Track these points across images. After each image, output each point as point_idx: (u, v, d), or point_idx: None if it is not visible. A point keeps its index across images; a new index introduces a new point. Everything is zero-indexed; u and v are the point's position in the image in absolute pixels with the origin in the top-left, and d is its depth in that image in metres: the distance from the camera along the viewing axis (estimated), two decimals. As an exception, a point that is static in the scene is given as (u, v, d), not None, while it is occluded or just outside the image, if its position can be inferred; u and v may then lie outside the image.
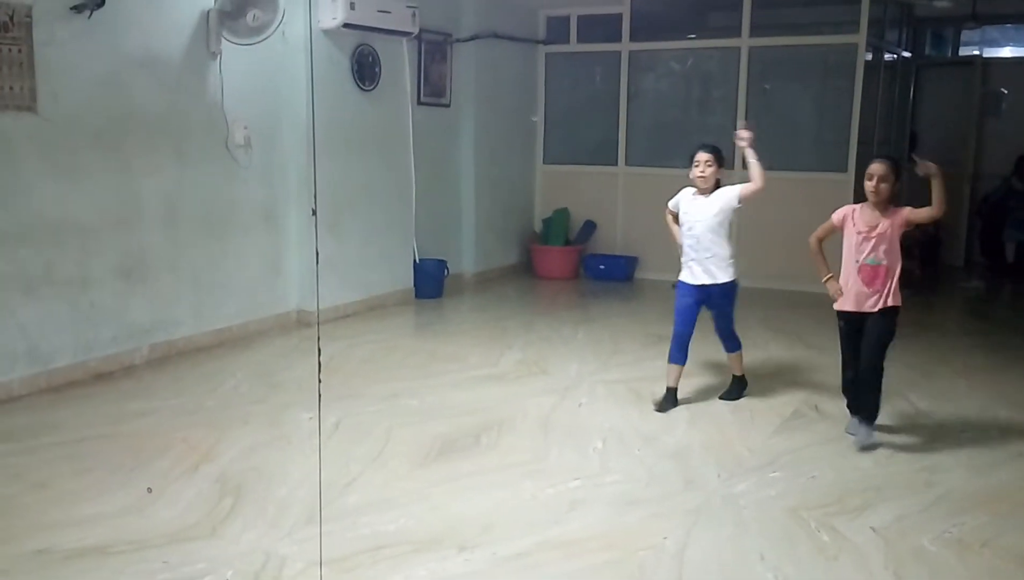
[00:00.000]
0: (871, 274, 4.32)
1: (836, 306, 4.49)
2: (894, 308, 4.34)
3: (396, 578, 3.12)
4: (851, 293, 4.39)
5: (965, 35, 11.45)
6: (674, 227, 5.12)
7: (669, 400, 5.01)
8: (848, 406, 4.60)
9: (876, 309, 4.33)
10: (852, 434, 4.48)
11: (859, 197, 8.39)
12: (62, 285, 5.23)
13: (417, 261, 7.99)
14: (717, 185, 4.87)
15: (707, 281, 4.95)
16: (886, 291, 4.31)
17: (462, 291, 8.49)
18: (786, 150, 8.81)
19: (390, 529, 3.49)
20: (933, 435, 4.66)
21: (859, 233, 4.33)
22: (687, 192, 4.98)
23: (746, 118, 8.74)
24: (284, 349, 6.27)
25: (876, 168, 4.26)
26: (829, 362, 5.83)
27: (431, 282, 8.06)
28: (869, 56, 8.54)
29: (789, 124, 8.92)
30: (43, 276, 5.12)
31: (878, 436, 4.46)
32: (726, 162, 5.03)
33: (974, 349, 6.62)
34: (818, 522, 3.61)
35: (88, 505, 3.66)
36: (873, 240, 4.29)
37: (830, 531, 3.53)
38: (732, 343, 5.21)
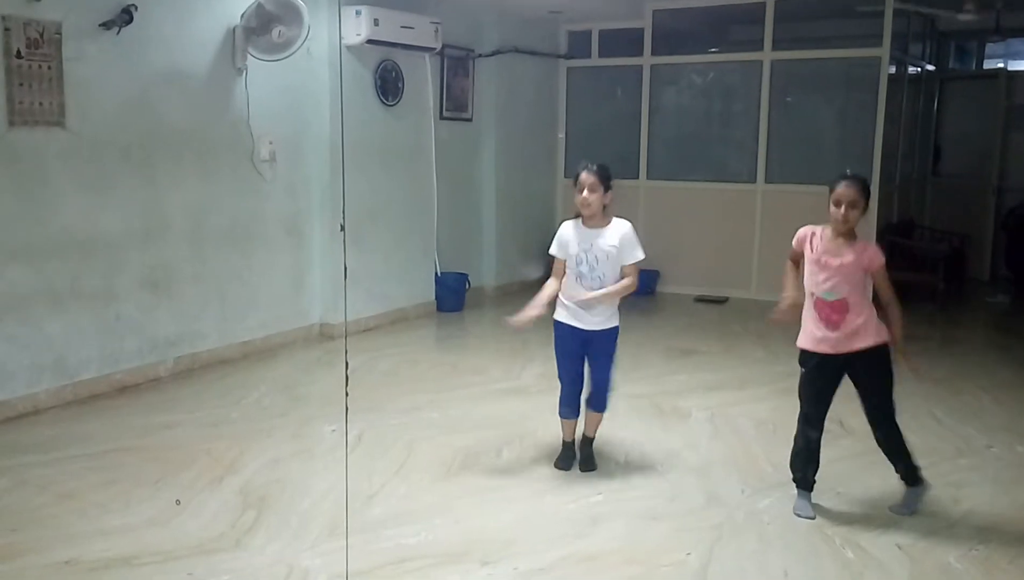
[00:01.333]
0: (828, 310, 3.70)
1: (798, 343, 3.88)
2: (880, 346, 3.72)
3: (419, 591, 3.13)
4: (807, 330, 3.80)
5: (989, 48, 11.40)
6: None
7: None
8: (796, 479, 3.91)
9: (858, 348, 3.70)
10: (799, 514, 3.79)
11: (883, 211, 8.48)
12: (88, 298, 5.29)
13: (439, 274, 8.02)
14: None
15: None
16: (854, 328, 3.68)
17: (483, 304, 8.51)
18: (808, 163, 8.79)
19: (413, 542, 3.50)
20: (959, 451, 4.61)
21: (815, 262, 3.73)
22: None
23: (768, 130, 8.73)
24: (307, 362, 6.31)
25: (845, 192, 3.63)
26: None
27: (452, 295, 8.08)
28: (892, 69, 8.51)
29: (811, 138, 8.90)
30: (70, 289, 5.18)
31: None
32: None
33: (1000, 364, 6.55)
34: (843, 539, 3.58)
35: (114, 516, 3.69)
36: (831, 272, 3.68)
37: (855, 548, 3.50)
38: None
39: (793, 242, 3.90)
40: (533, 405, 5.33)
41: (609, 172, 4.12)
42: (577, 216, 4.17)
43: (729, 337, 7.23)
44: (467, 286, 8.26)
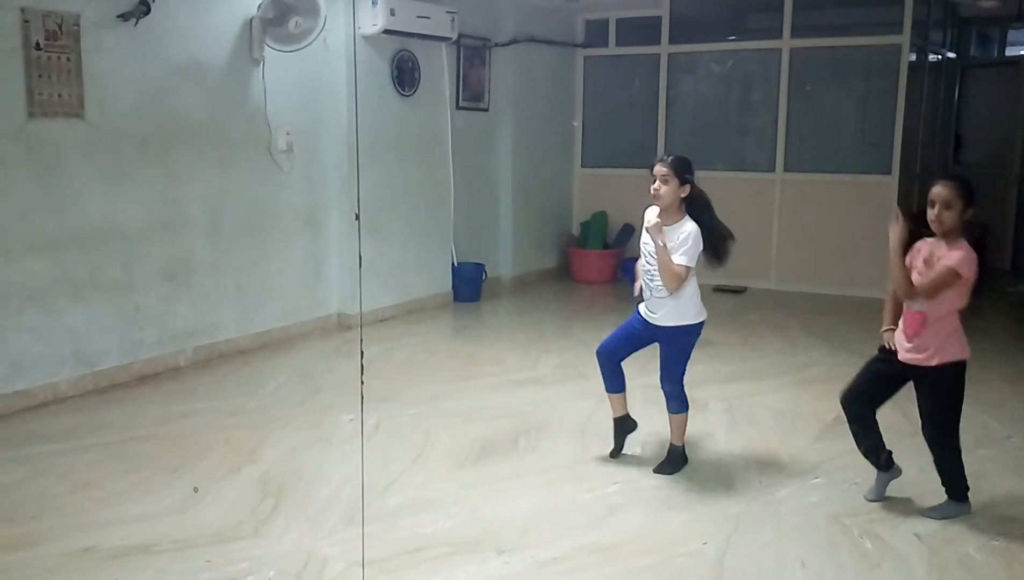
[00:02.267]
0: (910, 319, 3.62)
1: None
2: (948, 366, 3.59)
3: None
4: (896, 335, 3.73)
5: (1011, 35, 11.26)
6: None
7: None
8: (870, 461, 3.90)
9: (920, 363, 3.60)
10: (868, 498, 3.85)
11: (903, 200, 8.41)
12: (108, 289, 5.33)
13: (455, 264, 8.02)
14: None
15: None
16: (928, 343, 3.57)
17: (500, 294, 8.51)
18: (828, 152, 8.74)
19: (429, 531, 3.51)
20: (978, 441, 4.57)
21: (913, 267, 3.60)
22: None
23: (787, 119, 8.67)
24: (325, 352, 6.33)
25: (938, 192, 3.47)
26: (872, 367, 5.77)
27: (469, 286, 8.08)
28: (913, 57, 8.42)
29: (831, 126, 8.83)
30: (89, 280, 5.22)
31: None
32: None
33: (1021, 354, 6.50)
34: (861, 529, 3.56)
35: (133, 505, 3.72)
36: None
37: (873, 538, 3.49)
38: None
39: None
40: (549, 395, 5.33)
41: (687, 164, 3.95)
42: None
43: (747, 327, 7.20)
44: (484, 276, 8.26)
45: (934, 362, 3.57)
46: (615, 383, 4.26)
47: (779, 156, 8.78)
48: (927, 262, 3.57)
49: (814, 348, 6.55)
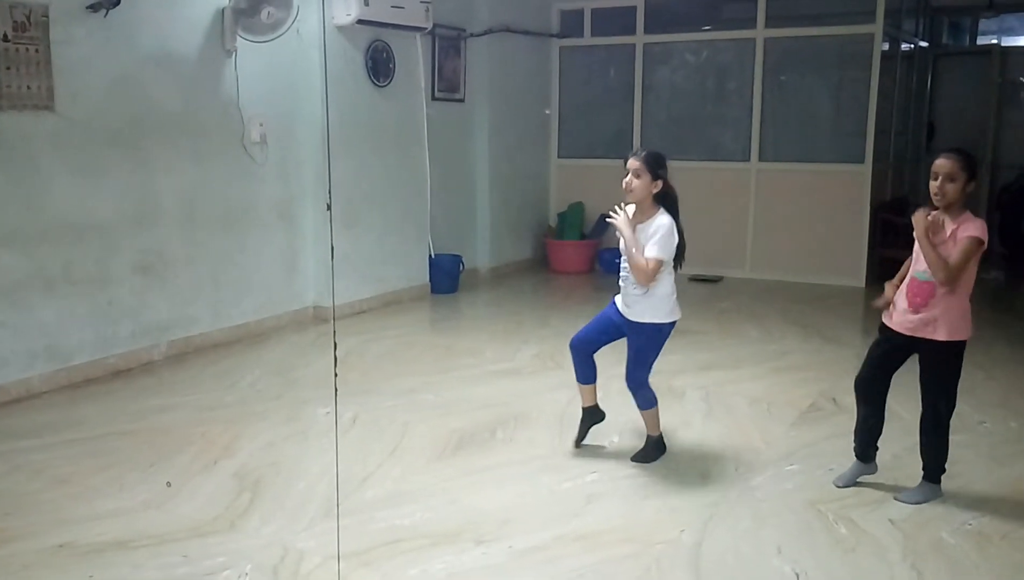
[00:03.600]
0: (917, 289, 3.60)
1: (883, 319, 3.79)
2: (954, 343, 3.61)
3: (413, 571, 3.14)
4: (895, 308, 3.72)
5: (983, 24, 11.37)
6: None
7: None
8: (854, 449, 3.95)
9: (925, 336, 3.61)
10: (838, 484, 3.86)
11: (876, 188, 8.48)
12: (81, 283, 5.27)
13: (432, 256, 8.00)
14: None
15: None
16: (932, 316, 3.57)
17: (477, 286, 8.50)
18: (802, 141, 8.79)
19: (407, 523, 3.51)
20: (952, 427, 4.57)
21: (920, 239, 3.60)
22: None
23: (762, 109, 8.71)
24: (301, 345, 6.30)
25: (941, 163, 3.49)
26: (847, 354, 5.83)
27: (446, 277, 8.07)
28: (886, 46, 8.48)
29: (805, 115, 8.88)
30: (62, 274, 5.17)
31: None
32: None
33: (994, 341, 6.56)
34: (836, 515, 3.60)
35: (108, 500, 3.69)
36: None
37: (848, 523, 3.52)
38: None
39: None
40: (528, 386, 5.34)
41: (660, 159, 3.93)
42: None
43: (723, 316, 7.24)
44: (461, 268, 8.24)
45: (942, 337, 3.58)
46: (587, 374, 4.26)
47: (754, 146, 8.82)
48: (939, 233, 3.56)
49: (790, 336, 6.60)
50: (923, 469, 3.79)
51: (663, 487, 3.89)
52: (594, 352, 4.22)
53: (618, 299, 4.13)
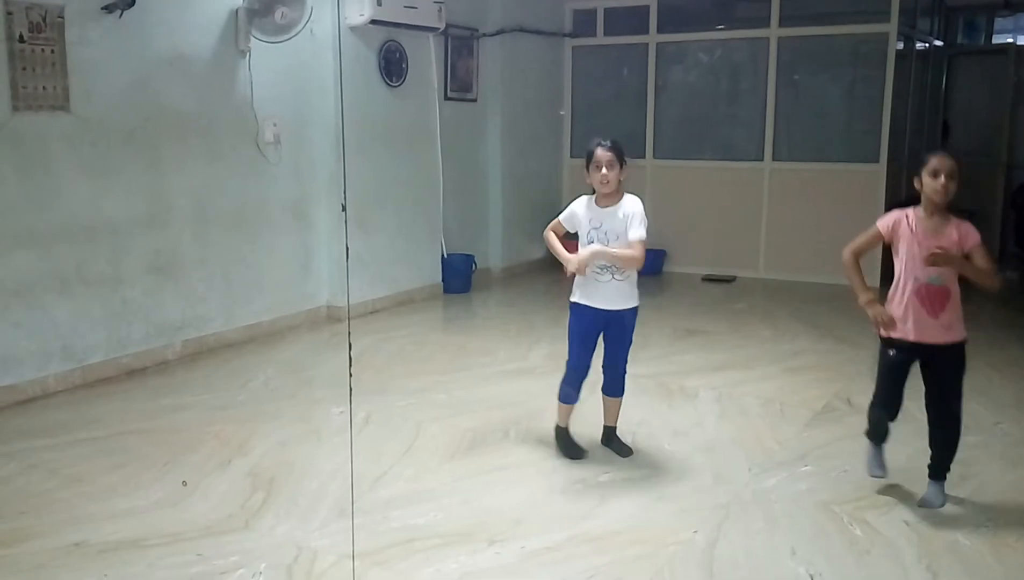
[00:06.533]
0: (934, 296, 3.52)
1: (886, 333, 3.66)
2: (963, 342, 3.61)
3: (427, 571, 3.14)
4: (908, 320, 3.57)
5: (998, 23, 11.28)
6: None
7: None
8: (871, 435, 3.86)
9: (946, 341, 3.56)
10: (875, 474, 3.82)
11: (891, 188, 8.44)
12: (95, 283, 5.30)
13: (445, 256, 8.01)
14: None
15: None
16: (950, 320, 3.54)
17: (490, 286, 8.51)
18: (816, 141, 8.76)
19: (421, 522, 3.51)
20: (967, 429, 4.54)
21: (920, 244, 3.52)
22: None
23: (775, 108, 8.68)
24: (314, 344, 6.32)
25: (945, 162, 3.45)
26: (861, 355, 5.80)
27: (459, 277, 8.07)
28: (900, 45, 8.44)
29: (819, 115, 8.84)
30: (76, 274, 5.19)
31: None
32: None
33: (1009, 341, 6.53)
34: (850, 516, 3.58)
35: (123, 499, 3.71)
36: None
37: (863, 525, 3.50)
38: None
39: (879, 228, 3.66)
40: (541, 385, 5.32)
41: (623, 147, 3.98)
42: (591, 193, 4.06)
43: (736, 316, 7.22)
44: (473, 267, 8.25)
45: (958, 338, 3.57)
46: (578, 394, 4.23)
47: (767, 145, 8.79)
48: (929, 242, 3.51)
49: (803, 336, 6.57)
50: (938, 471, 3.74)
51: (676, 488, 3.88)
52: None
53: (590, 303, 4.04)
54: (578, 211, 4.08)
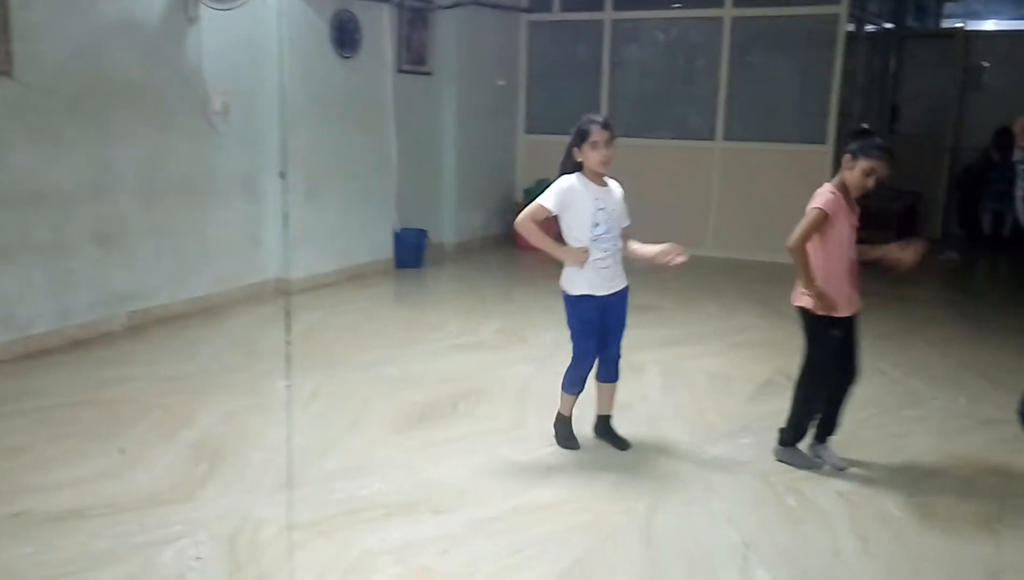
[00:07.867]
0: (855, 269, 3.76)
1: (827, 313, 3.70)
2: None
3: (370, 540, 3.17)
4: (843, 297, 3.69)
5: (948, 7, 11.48)
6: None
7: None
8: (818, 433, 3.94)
9: (859, 307, 3.81)
10: (831, 463, 3.86)
11: (838, 169, 8.55)
12: (39, 252, 5.21)
13: (397, 230, 7.99)
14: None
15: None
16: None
17: (443, 261, 8.51)
18: (766, 121, 8.85)
19: (366, 494, 3.53)
20: (903, 402, 4.73)
21: (851, 226, 3.69)
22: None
23: (728, 87, 8.75)
24: (262, 317, 6.28)
25: (884, 167, 3.62)
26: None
27: (411, 252, 8.06)
28: (851, 27, 8.56)
29: (770, 95, 8.93)
30: (20, 242, 5.10)
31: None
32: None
33: (949, 320, 6.70)
34: (786, 487, 3.67)
35: (65, 470, 3.68)
36: (854, 232, 3.72)
37: (797, 496, 3.60)
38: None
39: (826, 210, 3.62)
40: (490, 360, 5.37)
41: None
42: (573, 171, 3.84)
43: (685, 293, 7.31)
44: (426, 242, 8.24)
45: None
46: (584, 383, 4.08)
47: (719, 125, 8.88)
48: (853, 221, 3.74)
49: (749, 313, 6.68)
50: (827, 433, 3.91)
51: (620, 459, 3.95)
52: None
53: (596, 290, 3.87)
54: (579, 191, 3.79)
